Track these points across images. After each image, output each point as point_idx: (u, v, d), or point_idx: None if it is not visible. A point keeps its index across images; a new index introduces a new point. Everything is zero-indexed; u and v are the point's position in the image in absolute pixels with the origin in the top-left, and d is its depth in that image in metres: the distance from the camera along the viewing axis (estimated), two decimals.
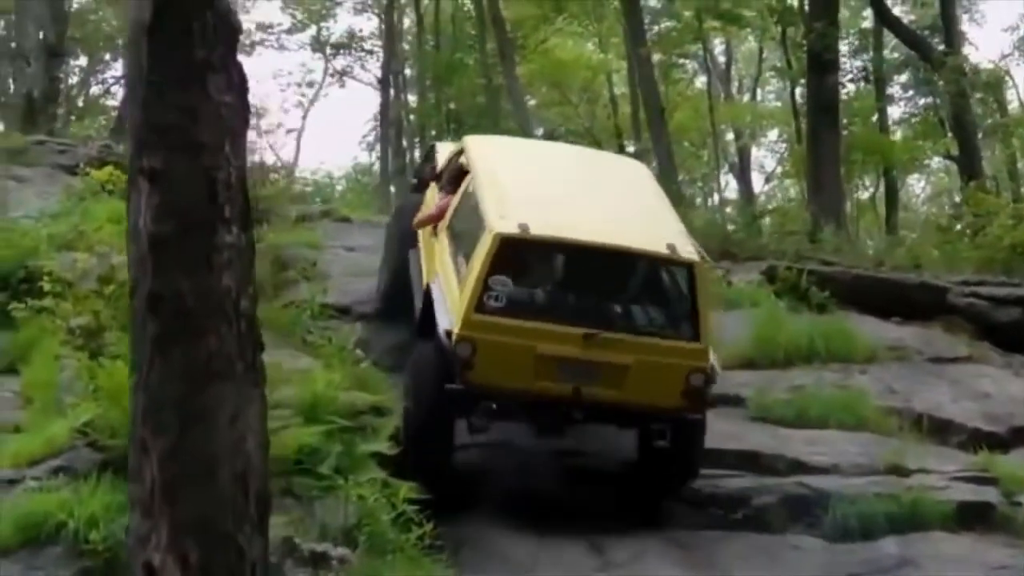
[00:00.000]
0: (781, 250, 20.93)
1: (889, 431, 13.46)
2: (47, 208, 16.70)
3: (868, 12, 36.84)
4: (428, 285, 12.73)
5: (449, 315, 11.67)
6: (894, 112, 41.38)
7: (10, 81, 30.98)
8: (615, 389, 11.50)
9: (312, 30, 49.83)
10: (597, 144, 42.00)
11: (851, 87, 37.90)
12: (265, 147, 20.66)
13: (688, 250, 11.82)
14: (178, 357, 6.58)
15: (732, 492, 12.28)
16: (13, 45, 30.58)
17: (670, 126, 36.56)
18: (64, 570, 9.01)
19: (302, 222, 19.26)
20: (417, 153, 43.88)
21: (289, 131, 42.45)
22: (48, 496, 9.36)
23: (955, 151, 33.19)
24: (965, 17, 40.64)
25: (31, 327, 12.86)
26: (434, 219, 13.68)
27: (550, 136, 43.08)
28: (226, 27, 6.86)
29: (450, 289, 12.03)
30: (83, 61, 42.62)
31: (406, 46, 47.86)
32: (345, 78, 50.48)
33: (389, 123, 45.89)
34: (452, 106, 44.14)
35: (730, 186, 48.63)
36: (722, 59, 47.46)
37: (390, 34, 46.26)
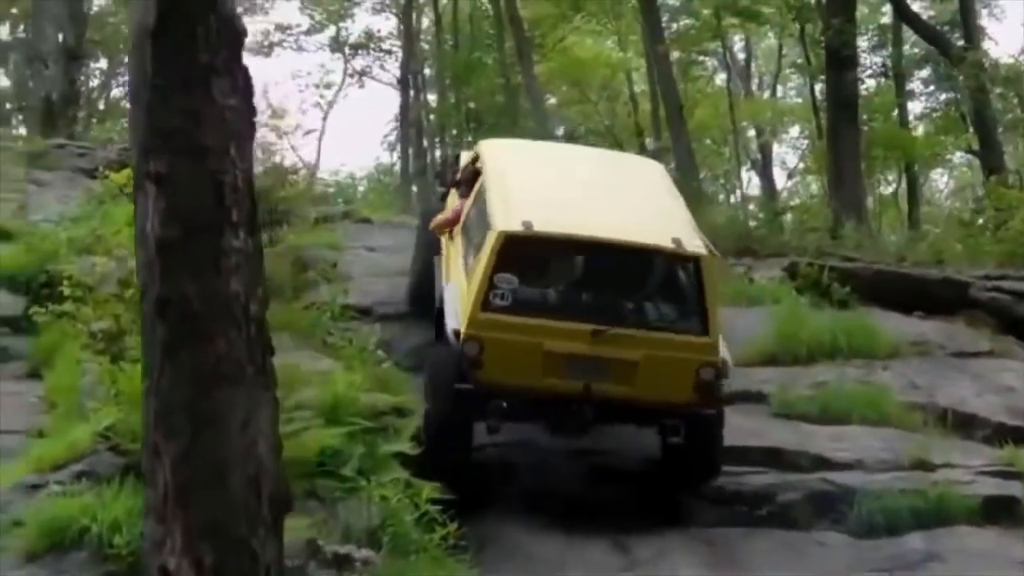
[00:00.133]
0: (803, 246, 20.92)
1: (913, 426, 13.38)
2: (67, 212, 16.75)
3: (887, 8, 36.70)
4: (442, 286, 12.80)
5: (458, 315, 11.71)
6: (915, 107, 41.36)
7: (29, 84, 30.98)
8: (625, 385, 11.47)
9: (331, 31, 49.83)
10: (618, 142, 42.04)
11: (871, 83, 37.87)
12: (285, 148, 20.72)
13: (695, 244, 11.79)
14: (187, 361, 6.57)
15: (756, 489, 12.22)
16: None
17: (691, 123, 36.57)
18: (89, 575, 9.01)
19: (322, 223, 19.27)
20: (438, 153, 43.94)
21: (308, 132, 42.48)
22: (71, 501, 9.34)
23: (977, 146, 33.04)
24: (984, 12, 40.48)
25: (53, 331, 12.90)
26: (450, 223, 13.80)
27: (570, 136, 43.08)
28: (230, 31, 6.87)
29: (460, 289, 12.07)
30: (103, 64, 42.69)
31: (425, 46, 47.85)
32: (364, 78, 50.46)
33: (409, 123, 45.88)
34: (471, 105, 44.13)
35: (752, 183, 48.58)
36: (741, 56, 47.39)
37: (408, 34, 46.28)
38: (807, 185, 49.63)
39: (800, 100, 46.27)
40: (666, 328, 11.70)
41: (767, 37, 45.11)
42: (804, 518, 11.83)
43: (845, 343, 15.15)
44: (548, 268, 12.07)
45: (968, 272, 18.15)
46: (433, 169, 38.36)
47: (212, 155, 6.73)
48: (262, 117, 19.84)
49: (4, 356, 13.68)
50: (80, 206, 17.14)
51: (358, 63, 50.38)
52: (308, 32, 49.28)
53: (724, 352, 11.78)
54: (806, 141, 46.77)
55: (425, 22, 48.44)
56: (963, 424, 13.56)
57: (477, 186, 13.16)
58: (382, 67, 50.11)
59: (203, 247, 6.68)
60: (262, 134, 19.39)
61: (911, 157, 37.26)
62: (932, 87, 40.60)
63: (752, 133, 46.51)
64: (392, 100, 48.58)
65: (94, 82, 42.50)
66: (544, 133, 35.46)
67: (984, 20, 39.85)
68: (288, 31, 48.72)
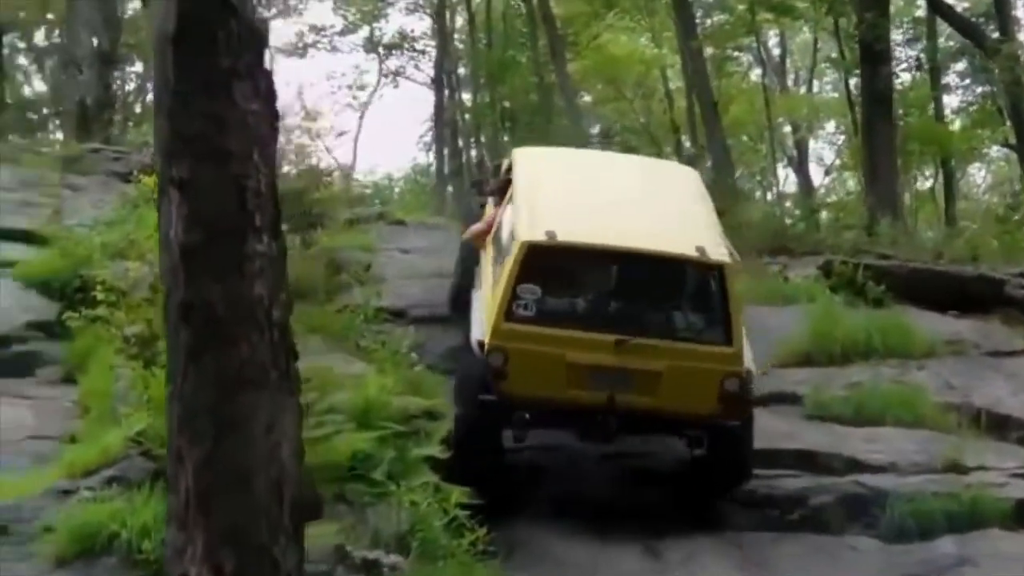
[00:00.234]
0: (838, 244, 20.83)
1: (947, 427, 13.32)
2: (101, 216, 16.79)
3: (921, 1, 36.50)
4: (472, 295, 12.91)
5: (482, 325, 11.74)
6: (952, 101, 41.07)
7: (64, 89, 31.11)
8: (649, 396, 11.44)
9: (364, 31, 49.90)
10: (654, 140, 41.94)
11: (906, 77, 37.64)
12: (320, 150, 20.74)
13: (719, 252, 11.73)
14: (210, 365, 6.56)
15: (789, 492, 12.20)
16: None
17: (726, 120, 36.44)
18: None
19: (356, 224, 19.27)
20: (473, 153, 43.94)
21: (341, 134, 42.54)
22: (102, 506, 9.38)
23: (1013, 140, 32.83)
24: (1020, 3, 40.23)
25: (86, 336, 12.95)
26: (484, 232, 13.87)
27: (606, 134, 43.00)
28: (252, 35, 6.83)
29: (486, 299, 12.10)
30: (139, 67, 42.84)
31: (459, 45, 47.85)
32: (399, 78, 50.51)
33: (444, 123, 45.91)
34: (506, 104, 44.06)
35: (789, 179, 48.39)
36: (776, 51, 47.20)
37: (442, 33, 46.27)
38: (844, 181, 49.36)
39: (836, 95, 46.04)
40: (690, 338, 11.68)
41: (802, 32, 44.85)
42: (836, 522, 11.81)
43: (880, 342, 15.08)
44: (572, 278, 12.05)
45: (1004, 269, 18.07)
46: (470, 177, 38.34)
47: (235, 160, 6.71)
48: (296, 119, 19.91)
49: (38, 361, 13.74)
50: (114, 210, 17.15)
51: (392, 63, 50.48)
52: (342, 33, 49.33)
53: (749, 361, 11.72)
54: (842, 137, 46.55)
55: (459, 21, 48.44)
56: (997, 425, 13.50)
57: (508, 195, 13.18)
58: (416, 67, 50.21)
59: (226, 252, 6.67)
60: (296, 136, 19.42)
61: (947, 152, 37.00)
62: (968, 80, 40.33)
63: (788, 129, 46.29)
64: (427, 100, 48.55)
65: (130, 86, 42.65)
66: (578, 131, 35.41)
67: (1020, 11, 39.69)
68: (322, 32, 48.82)
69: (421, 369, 13.14)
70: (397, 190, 48.89)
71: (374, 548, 9.86)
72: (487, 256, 13.26)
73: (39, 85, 43.05)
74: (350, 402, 11.36)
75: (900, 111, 32.84)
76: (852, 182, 46.01)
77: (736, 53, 42.42)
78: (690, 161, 27.74)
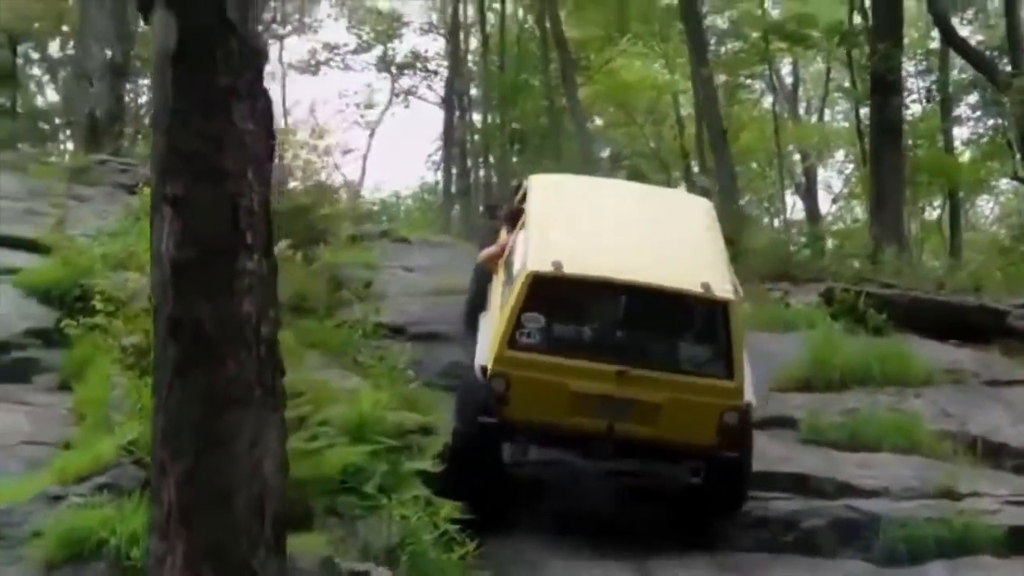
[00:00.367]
0: (841, 272, 20.84)
1: (943, 454, 13.34)
2: (104, 227, 16.82)
3: (935, 33, 36.54)
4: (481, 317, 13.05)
5: (485, 351, 11.81)
6: (962, 133, 41.10)
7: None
8: (648, 426, 11.52)
9: (378, 50, 50.07)
10: (663, 165, 41.97)
11: (916, 108, 37.67)
12: (329, 166, 20.78)
13: (724, 289, 11.79)
14: (197, 382, 6.60)
15: (782, 515, 12.23)
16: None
17: (737, 146, 36.48)
18: None
19: (360, 241, 19.30)
20: (481, 173, 43.98)
21: (347, 152, 42.48)
22: (92, 513, 9.36)
23: (1022, 172, 32.84)
24: None
25: (84, 345, 12.97)
26: (496, 256, 14.00)
27: (615, 158, 43.03)
28: (251, 54, 6.89)
29: (491, 325, 12.17)
30: (151, 80, 42.92)
31: (472, 66, 47.98)
32: (410, 98, 50.65)
33: (453, 143, 46.02)
34: (516, 126, 44.15)
35: (797, 206, 48.37)
36: (789, 79, 47.24)
37: (455, 54, 46.43)
38: (851, 209, 49.37)
39: (847, 124, 46.07)
40: (691, 371, 11.73)
41: (815, 61, 44.92)
42: (828, 545, 11.83)
43: (878, 370, 15.11)
44: (577, 308, 12.11)
45: (1006, 300, 18.10)
46: (480, 199, 38.39)
47: (230, 179, 6.76)
48: (304, 136, 19.93)
49: (36, 368, 13.73)
50: (117, 221, 17.18)
51: (404, 83, 50.63)
52: (355, 51, 49.58)
53: (749, 394, 11.78)
54: (851, 166, 46.56)
55: (472, 43, 48.59)
56: (993, 453, 13.51)
57: (520, 222, 13.28)
58: (428, 87, 50.38)
59: (217, 269, 6.72)
60: (305, 152, 19.44)
61: (955, 183, 37.03)
62: (979, 112, 40.37)
63: (797, 157, 46.31)
64: (437, 119, 48.66)
65: (141, 99, 42.75)
66: (588, 155, 35.48)
67: None
68: (336, 50, 49.09)
69: (418, 385, 13.15)
70: (404, 208, 48.99)
71: (364, 560, 9.85)
72: (498, 279, 13.40)
73: (52, 95, 43.18)
74: (344, 416, 11.36)
75: (909, 142, 32.84)
76: (859, 210, 45.99)
77: (749, 80, 42.50)
78: (704, 192, 27.70)
